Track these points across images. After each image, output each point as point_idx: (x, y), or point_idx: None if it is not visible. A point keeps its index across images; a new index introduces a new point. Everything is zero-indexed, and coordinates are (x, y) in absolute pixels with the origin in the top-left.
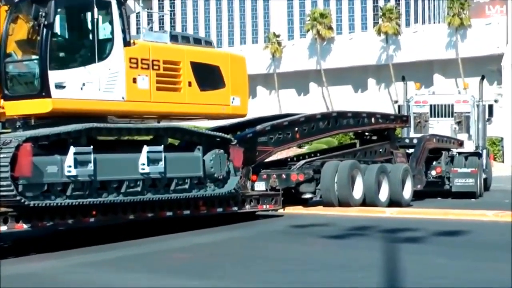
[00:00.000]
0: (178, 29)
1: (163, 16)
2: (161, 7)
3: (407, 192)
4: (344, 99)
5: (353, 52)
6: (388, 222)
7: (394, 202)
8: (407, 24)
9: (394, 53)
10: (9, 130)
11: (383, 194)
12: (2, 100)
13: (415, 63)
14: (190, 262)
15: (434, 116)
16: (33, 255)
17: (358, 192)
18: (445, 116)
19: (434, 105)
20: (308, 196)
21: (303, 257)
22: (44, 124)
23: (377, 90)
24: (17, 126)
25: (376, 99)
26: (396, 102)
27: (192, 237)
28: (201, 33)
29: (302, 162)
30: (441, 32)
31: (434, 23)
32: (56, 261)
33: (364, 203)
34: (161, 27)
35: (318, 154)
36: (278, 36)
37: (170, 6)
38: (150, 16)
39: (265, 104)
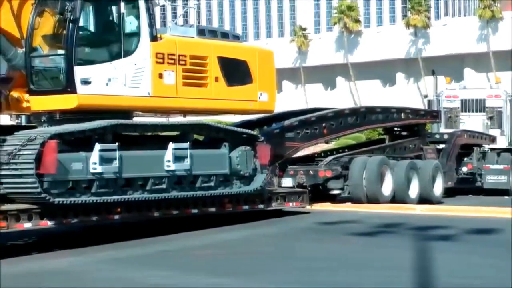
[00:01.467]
0: (203, 22)
1: (187, 9)
2: (185, 0)
3: (437, 189)
4: (372, 93)
5: (381, 45)
6: (418, 219)
7: (424, 199)
8: (437, 17)
9: (423, 47)
10: (34, 124)
11: (413, 191)
12: (27, 95)
13: (445, 57)
14: (213, 260)
15: (465, 111)
16: (57, 251)
17: (387, 188)
18: (476, 111)
19: (465, 100)
20: (336, 192)
21: (330, 255)
22: (69, 119)
23: (406, 84)
24: (42, 120)
25: (405, 94)
26: (425, 96)
27: (217, 234)
28: (226, 26)
29: (330, 158)
30: (472, 25)
31: (465, 15)
32: (80, 258)
33: (394, 199)
34: (186, 20)
35: (346, 150)
36: (304, 29)
37: None
38: (174, 9)
39: (291, 99)
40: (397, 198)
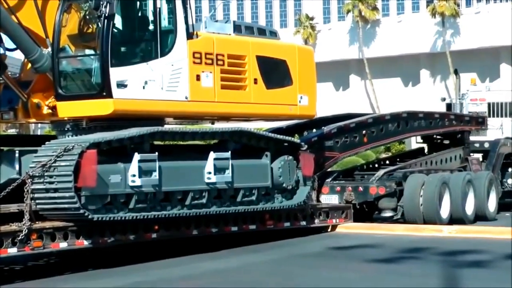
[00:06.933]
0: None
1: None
2: None
3: (492, 205)
4: (391, 94)
5: (403, 37)
6: (447, 243)
7: (479, 216)
8: (468, 3)
9: (452, 39)
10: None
11: (469, 208)
12: (49, 100)
13: (478, 50)
14: None
15: (493, 116)
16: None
17: (445, 209)
18: (505, 116)
19: (493, 103)
20: (388, 214)
21: (333, 285)
22: (96, 126)
23: (432, 83)
24: (66, 129)
25: (430, 94)
26: (443, 99)
27: (216, 260)
28: (220, 16)
29: (382, 172)
30: (509, 13)
31: (500, 1)
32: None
33: (450, 220)
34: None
35: (387, 162)
36: (311, 18)
37: None
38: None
39: None
40: (454, 217)
